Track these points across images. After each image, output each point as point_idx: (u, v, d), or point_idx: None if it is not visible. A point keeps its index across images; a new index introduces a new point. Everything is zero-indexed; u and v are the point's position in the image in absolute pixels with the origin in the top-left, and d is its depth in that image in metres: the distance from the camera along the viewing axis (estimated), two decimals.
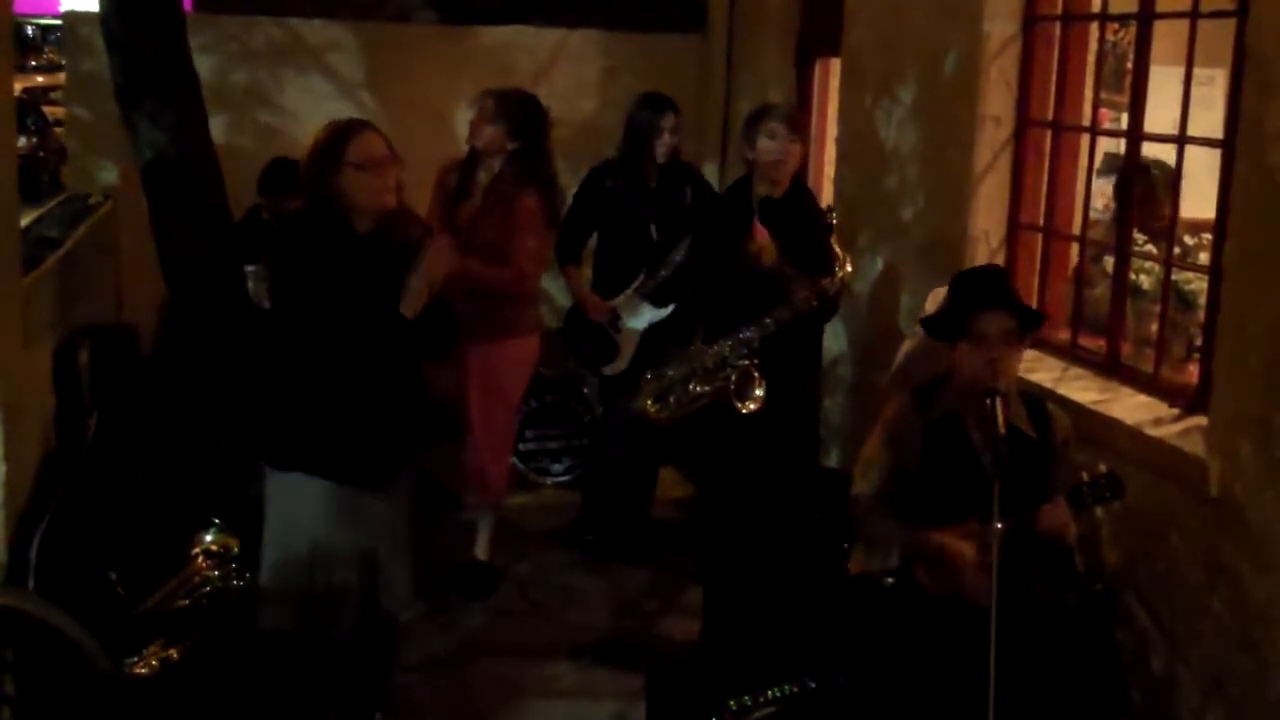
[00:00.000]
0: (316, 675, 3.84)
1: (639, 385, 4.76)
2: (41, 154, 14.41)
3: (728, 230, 4.51)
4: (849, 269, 4.50)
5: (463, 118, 5.10)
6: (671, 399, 4.60)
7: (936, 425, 3.53)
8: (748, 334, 4.43)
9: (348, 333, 3.55)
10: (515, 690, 4.43)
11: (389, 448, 3.69)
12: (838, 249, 4.46)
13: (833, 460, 5.68)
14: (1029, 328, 3.54)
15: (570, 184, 5.47)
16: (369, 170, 3.56)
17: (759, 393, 4.41)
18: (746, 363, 4.42)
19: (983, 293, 3.48)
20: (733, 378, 4.43)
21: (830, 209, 4.71)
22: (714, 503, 4.81)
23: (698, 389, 4.53)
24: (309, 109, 6.51)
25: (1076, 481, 3.34)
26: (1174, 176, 4.00)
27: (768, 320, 4.41)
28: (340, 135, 3.59)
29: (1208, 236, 4.06)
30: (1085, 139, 4.40)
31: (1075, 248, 4.57)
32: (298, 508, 3.67)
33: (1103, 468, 3.33)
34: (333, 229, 3.59)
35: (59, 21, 10.99)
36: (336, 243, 3.58)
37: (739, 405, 4.41)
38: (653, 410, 4.64)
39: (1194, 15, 3.75)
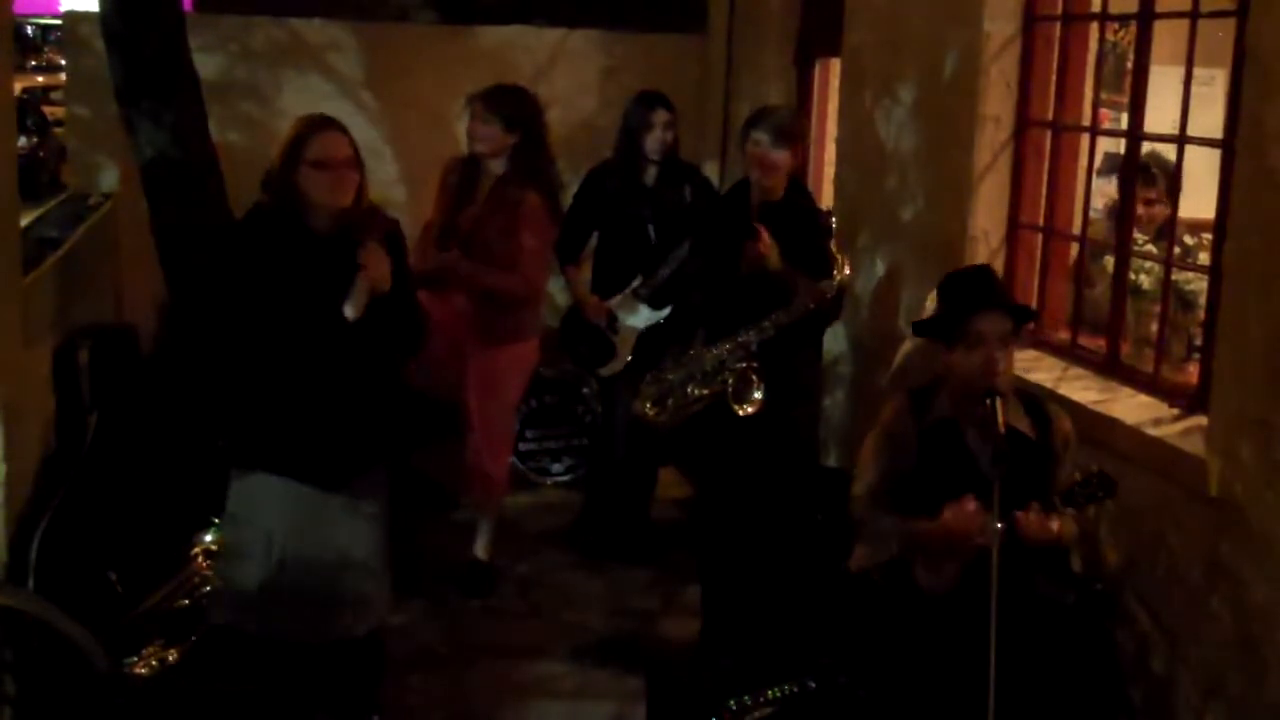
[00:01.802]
0: (314, 677, 3.83)
1: (638, 387, 4.76)
2: (41, 154, 14.47)
3: (727, 232, 4.51)
4: (847, 272, 4.50)
5: (462, 117, 5.10)
6: (670, 402, 4.60)
7: (932, 430, 3.52)
8: (746, 337, 4.43)
9: (290, 331, 3.52)
10: (515, 691, 4.43)
11: (347, 449, 3.62)
12: (836, 252, 4.47)
13: (833, 460, 5.68)
14: (1021, 325, 3.54)
15: (570, 184, 5.47)
16: (326, 170, 3.52)
17: (757, 396, 4.40)
18: (744, 366, 4.42)
19: (976, 294, 3.48)
20: (730, 381, 4.43)
21: (829, 212, 4.69)
22: (714, 503, 4.80)
23: (696, 392, 4.52)
24: (309, 109, 6.40)
25: (1069, 482, 3.33)
26: (1174, 173, 4.00)
27: (766, 323, 4.41)
28: (302, 133, 3.57)
29: (1208, 236, 4.05)
30: (1085, 139, 4.40)
31: (1075, 247, 4.57)
32: (257, 506, 3.63)
33: (1094, 467, 3.33)
34: (288, 227, 3.56)
35: (59, 21, 11.01)
36: (290, 241, 3.55)
37: (737, 408, 4.41)
38: (650, 413, 4.63)
39: (1194, 15, 3.75)
